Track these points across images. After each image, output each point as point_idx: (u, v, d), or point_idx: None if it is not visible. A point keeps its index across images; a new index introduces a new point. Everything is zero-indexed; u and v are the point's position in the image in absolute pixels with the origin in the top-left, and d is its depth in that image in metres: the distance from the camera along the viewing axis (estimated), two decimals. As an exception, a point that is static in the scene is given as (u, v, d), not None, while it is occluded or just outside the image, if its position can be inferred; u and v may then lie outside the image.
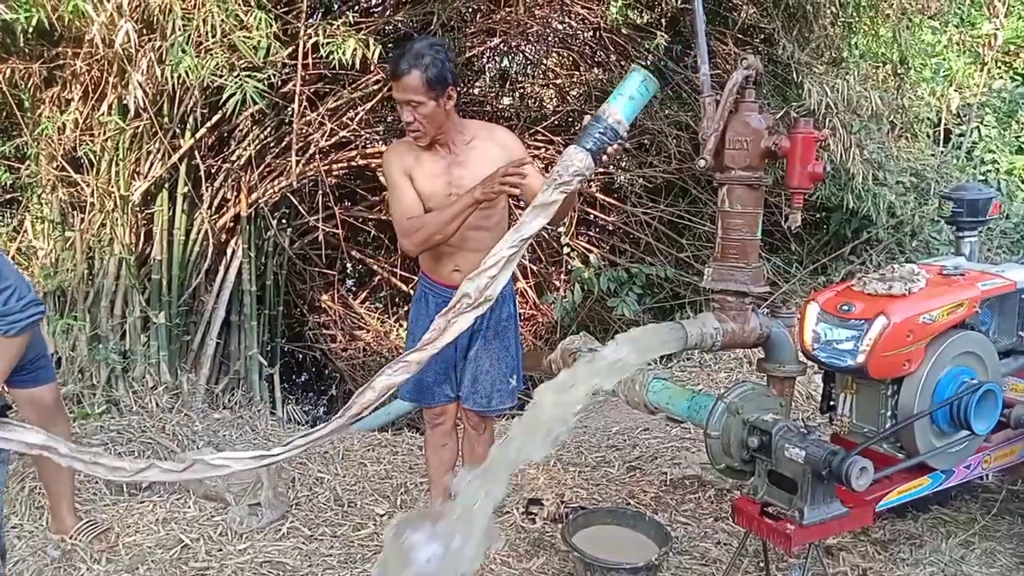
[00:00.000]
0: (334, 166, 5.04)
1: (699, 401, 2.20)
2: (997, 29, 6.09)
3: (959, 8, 6.19)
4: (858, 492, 1.94)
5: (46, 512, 2.82)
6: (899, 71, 5.25)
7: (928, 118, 5.85)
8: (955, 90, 6.22)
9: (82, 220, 3.90)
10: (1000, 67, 6.95)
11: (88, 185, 3.85)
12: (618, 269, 5.29)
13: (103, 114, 3.71)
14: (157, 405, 3.67)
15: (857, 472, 1.88)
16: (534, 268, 5.89)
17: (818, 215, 5.54)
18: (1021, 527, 2.85)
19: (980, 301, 2.33)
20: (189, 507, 2.97)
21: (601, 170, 5.94)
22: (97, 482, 3.05)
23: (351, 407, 2.01)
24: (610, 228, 5.85)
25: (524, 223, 2.10)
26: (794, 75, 4.68)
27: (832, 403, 2.43)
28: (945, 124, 6.16)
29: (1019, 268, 2.55)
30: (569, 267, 5.39)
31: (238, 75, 3.38)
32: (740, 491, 2.84)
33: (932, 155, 5.63)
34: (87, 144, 3.76)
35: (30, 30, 3.31)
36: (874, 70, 5.30)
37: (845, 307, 2.21)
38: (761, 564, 2.51)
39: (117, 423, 3.46)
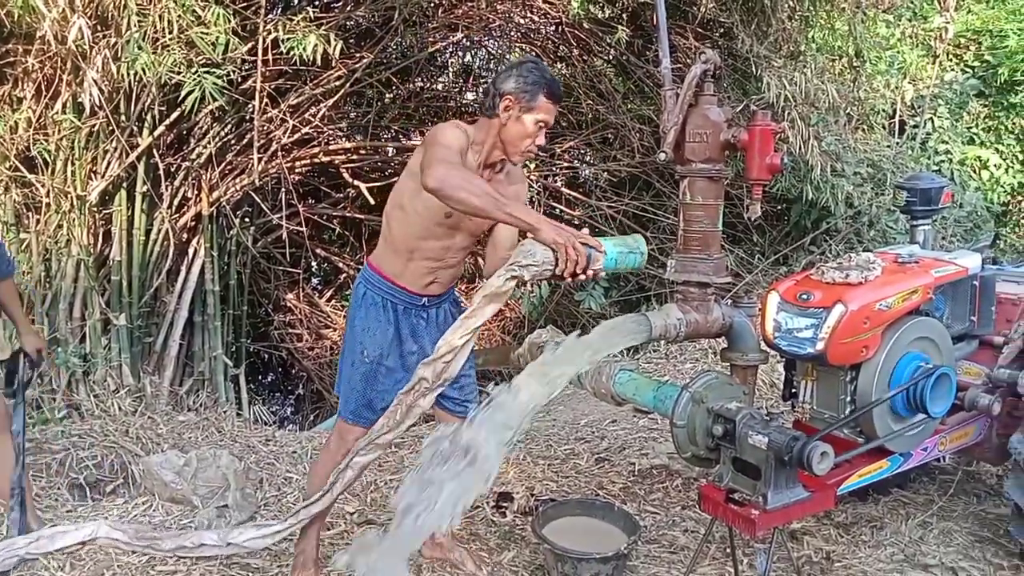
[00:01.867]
0: (297, 163, 4.99)
1: (664, 391, 2.23)
2: (947, 23, 6.25)
3: (911, 2, 6.33)
4: (820, 476, 1.99)
5: (7, 518, 2.76)
6: (855, 64, 5.36)
7: (883, 110, 5.99)
8: (909, 82, 6.37)
9: (38, 221, 3.81)
10: (951, 59, 7.13)
11: (43, 185, 3.77)
12: (584, 262, 5.31)
13: (57, 112, 3.63)
14: (120, 408, 3.61)
15: (818, 457, 1.93)
16: (500, 263, 5.90)
17: (779, 206, 5.64)
18: (976, 507, 2.94)
19: (934, 288, 2.39)
20: (156, 510, 2.93)
21: (566, 164, 5.97)
22: (59, 487, 2.99)
23: (335, 484, 2.23)
24: (575, 222, 5.87)
25: (476, 311, 2.03)
26: (753, 68, 4.75)
27: (794, 390, 2.48)
28: (900, 116, 6.30)
29: (971, 255, 2.62)
30: (535, 261, 5.40)
31: (196, 72, 3.34)
32: (706, 479, 2.88)
33: (888, 146, 5.76)
34: (41, 143, 3.68)
35: (-22, 27, 3.23)
36: (831, 63, 5.41)
37: (804, 296, 2.26)
38: (728, 550, 2.56)
39: (79, 428, 3.39)
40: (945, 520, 2.86)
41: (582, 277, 1.98)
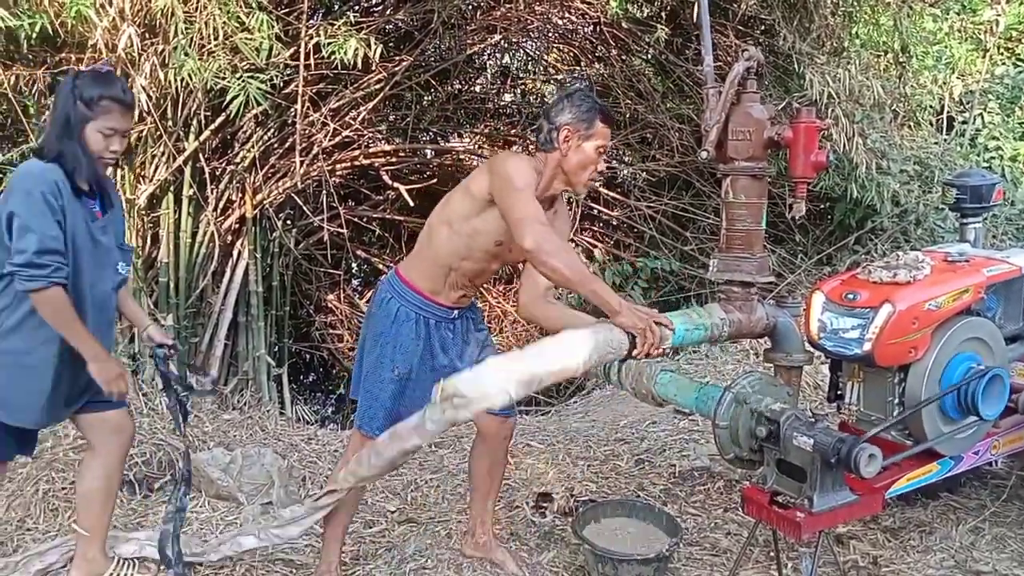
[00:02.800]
0: (337, 166, 5.05)
1: (707, 392, 2.21)
2: (998, 15, 6.07)
3: (960, -5, 6.19)
4: (867, 479, 1.96)
5: (61, 514, 2.85)
6: (900, 59, 5.24)
7: (931, 106, 5.84)
8: (957, 77, 6.20)
9: (89, 224, 3.92)
10: (1002, 53, 6.93)
11: (94, 189, 3.87)
12: (623, 263, 5.30)
13: (107, 119, 3.72)
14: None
15: (866, 459, 1.89)
16: (539, 264, 5.90)
17: (822, 205, 5.54)
18: (1031, 513, 2.86)
19: (985, 287, 2.34)
20: (203, 507, 2.99)
21: (604, 164, 5.94)
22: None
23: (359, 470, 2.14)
24: (614, 223, 5.85)
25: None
26: (795, 66, 4.67)
27: (839, 392, 2.44)
28: (948, 112, 6.15)
29: (1024, 253, 2.55)
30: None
31: (241, 77, 3.40)
32: (749, 481, 2.84)
33: (935, 143, 5.62)
34: (92, 149, 3.77)
35: (34, 36, 3.33)
36: (875, 59, 5.29)
37: (850, 295, 2.22)
38: (771, 554, 2.52)
39: (128, 425, 3.48)
40: (998, 526, 2.78)
41: (654, 354, 2.02)
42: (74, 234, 2.09)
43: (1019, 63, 6.92)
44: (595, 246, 5.55)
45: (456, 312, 2.35)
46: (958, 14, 6.50)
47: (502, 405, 1.94)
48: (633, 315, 1.99)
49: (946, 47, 6.33)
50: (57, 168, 2.08)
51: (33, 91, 3.77)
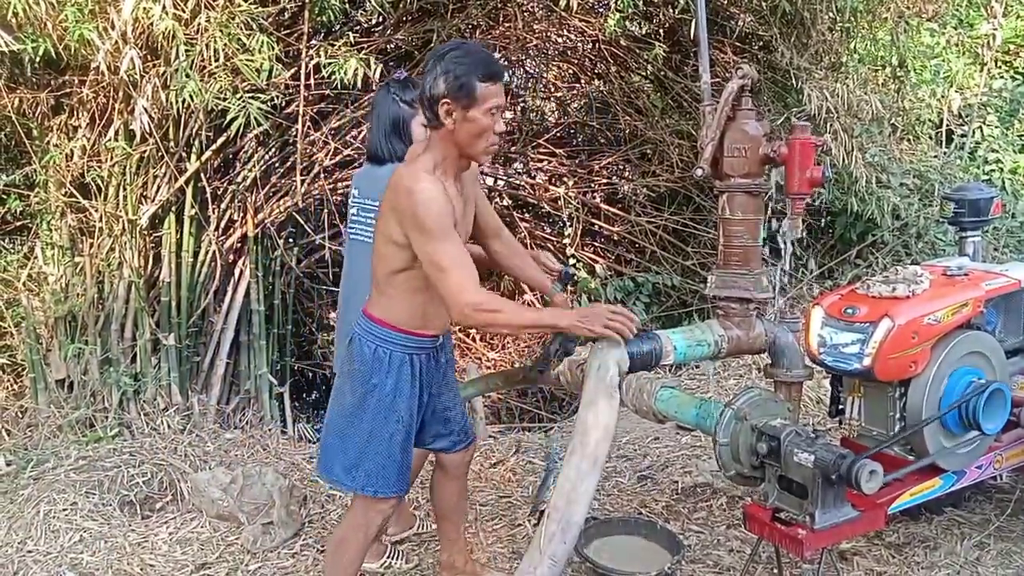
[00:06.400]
0: (339, 184, 5.07)
1: (707, 409, 2.21)
2: (995, 29, 6.10)
3: (956, 10, 6.21)
4: (869, 495, 1.95)
5: (62, 535, 2.84)
6: (898, 74, 5.26)
7: (929, 120, 5.86)
8: (956, 91, 6.22)
9: (91, 245, 3.94)
10: (1000, 67, 6.95)
11: (96, 210, 3.89)
12: (624, 278, 5.30)
13: (110, 140, 3.75)
14: (169, 427, 3.69)
15: (867, 475, 1.89)
16: (540, 280, 5.91)
17: (823, 219, 5.55)
18: (1036, 527, 2.84)
19: (985, 301, 2.34)
20: (203, 528, 2.98)
21: (604, 180, 5.97)
22: (111, 504, 3.07)
23: None
24: (615, 238, 5.86)
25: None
26: (793, 81, 4.69)
27: (840, 407, 2.43)
28: (947, 125, 6.16)
29: (1024, 267, 2.55)
30: (575, 278, 5.41)
31: (241, 97, 3.42)
32: (751, 498, 2.83)
33: (935, 156, 5.64)
34: (95, 170, 3.80)
35: (37, 60, 3.36)
36: (873, 74, 5.31)
37: (849, 310, 2.22)
38: (774, 571, 2.51)
39: (129, 445, 3.48)
40: (1003, 541, 2.76)
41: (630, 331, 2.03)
42: None
43: (1017, 76, 6.95)
44: (596, 261, 5.55)
45: (442, 336, 2.21)
46: (955, 28, 6.53)
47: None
48: (584, 323, 2.00)
49: (944, 61, 6.36)
50: None
51: (37, 113, 3.81)
